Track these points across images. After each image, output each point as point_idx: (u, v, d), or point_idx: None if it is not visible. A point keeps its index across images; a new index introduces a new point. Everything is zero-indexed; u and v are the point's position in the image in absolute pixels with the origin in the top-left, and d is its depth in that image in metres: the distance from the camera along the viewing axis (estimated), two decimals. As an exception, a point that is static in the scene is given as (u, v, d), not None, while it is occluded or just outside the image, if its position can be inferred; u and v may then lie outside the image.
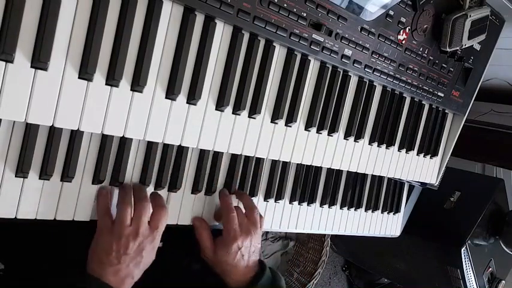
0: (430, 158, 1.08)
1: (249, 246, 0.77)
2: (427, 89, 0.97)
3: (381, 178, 1.15)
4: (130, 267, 0.65)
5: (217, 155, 0.80)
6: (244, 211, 0.81)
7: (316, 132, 0.83)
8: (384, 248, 1.77)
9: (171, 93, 0.63)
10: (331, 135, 0.85)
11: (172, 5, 0.61)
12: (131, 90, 0.60)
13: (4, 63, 0.50)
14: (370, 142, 0.93)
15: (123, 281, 0.65)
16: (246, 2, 0.65)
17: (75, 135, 0.63)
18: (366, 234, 1.14)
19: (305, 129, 0.81)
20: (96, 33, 0.55)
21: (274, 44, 0.72)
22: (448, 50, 0.92)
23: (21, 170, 0.59)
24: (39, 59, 0.51)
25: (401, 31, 0.86)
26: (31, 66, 0.52)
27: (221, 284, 0.78)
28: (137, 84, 0.59)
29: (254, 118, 0.74)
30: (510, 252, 1.53)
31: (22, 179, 0.60)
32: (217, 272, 0.78)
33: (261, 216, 0.82)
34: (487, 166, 2.04)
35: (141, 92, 0.61)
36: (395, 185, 1.20)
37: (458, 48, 0.93)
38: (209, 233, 0.78)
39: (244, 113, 0.72)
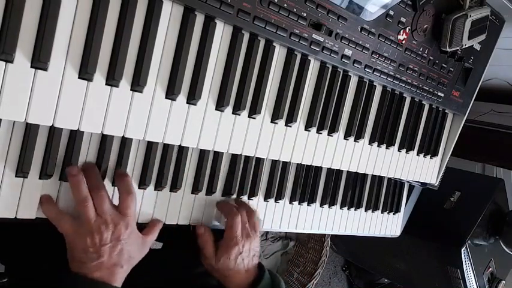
0: (430, 158, 1.08)
1: (249, 250, 0.77)
2: (427, 89, 0.97)
3: (381, 178, 1.15)
4: (113, 257, 0.63)
5: (217, 155, 0.80)
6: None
7: (316, 132, 0.83)
8: (384, 248, 1.77)
9: (171, 93, 0.63)
10: (331, 135, 0.85)
11: (172, 5, 0.61)
12: (131, 90, 0.60)
13: (4, 63, 0.50)
14: (370, 142, 0.93)
15: (111, 272, 0.63)
16: (246, 2, 0.65)
17: (75, 135, 0.63)
18: (366, 234, 1.14)
19: (305, 129, 0.81)
20: (96, 33, 0.55)
21: (274, 44, 0.72)
22: (448, 50, 0.92)
23: (21, 170, 0.59)
24: (39, 59, 0.51)
25: (402, 31, 0.86)
26: (31, 66, 0.52)
27: (222, 285, 0.78)
28: (137, 84, 0.59)
29: (254, 118, 0.74)
30: (510, 252, 1.53)
31: (22, 179, 0.60)
32: (218, 278, 0.78)
33: (259, 219, 0.82)
34: (487, 166, 2.04)
35: (141, 92, 0.61)
36: (395, 185, 1.20)
37: (458, 48, 0.93)
38: (213, 241, 0.78)
39: (244, 113, 0.72)
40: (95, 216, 0.63)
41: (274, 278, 0.81)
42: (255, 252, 0.79)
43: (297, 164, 0.93)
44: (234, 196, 0.83)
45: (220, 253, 0.76)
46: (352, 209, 1.08)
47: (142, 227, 0.71)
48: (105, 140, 0.66)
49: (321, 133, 0.83)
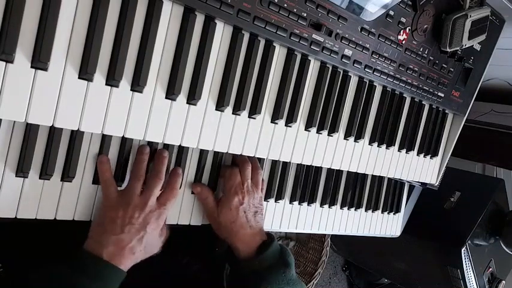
0: (430, 158, 1.08)
1: (249, 204, 0.78)
2: (427, 89, 0.97)
3: (381, 178, 1.14)
4: (133, 240, 0.65)
5: (217, 155, 0.80)
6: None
7: (316, 133, 0.83)
8: (384, 248, 1.77)
9: (171, 93, 0.63)
10: (331, 136, 0.85)
11: (173, 5, 0.61)
12: (131, 90, 0.60)
13: (4, 63, 0.50)
14: (370, 142, 0.93)
15: (124, 252, 0.64)
16: (246, 2, 0.65)
17: (75, 135, 0.63)
18: (366, 234, 1.14)
19: (305, 130, 0.81)
20: (96, 33, 0.55)
21: (274, 44, 0.72)
22: (448, 50, 0.92)
23: (22, 170, 0.59)
24: (39, 59, 0.51)
25: (402, 31, 0.86)
26: (31, 67, 0.52)
27: (221, 284, 0.78)
28: (137, 84, 0.59)
29: (254, 118, 0.74)
30: (510, 253, 1.52)
31: (22, 179, 0.60)
32: (225, 238, 0.78)
33: (263, 180, 0.83)
34: (487, 166, 2.04)
35: (141, 92, 0.61)
36: (396, 185, 1.20)
37: (458, 48, 0.93)
38: (213, 196, 0.78)
39: (244, 113, 0.72)
40: (139, 193, 0.67)
41: (284, 249, 0.80)
42: (258, 209, 0.79)
43: (297, 164, 0.93)
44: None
45: (221, 205, 0.77)
46: (352, 209, 1.08)
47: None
48: (105, 140, 0.66)
49: (321, 133, 0.83)
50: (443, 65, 0.97)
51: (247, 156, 0.81)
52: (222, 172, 0.81)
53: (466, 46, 0.94)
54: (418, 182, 1.12)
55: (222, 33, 0.67)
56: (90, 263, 0.62)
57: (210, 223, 0.79)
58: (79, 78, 0.55)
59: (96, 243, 0.63)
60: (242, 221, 0.76)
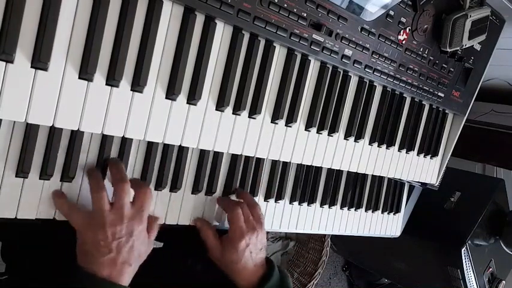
0: (431, 158, 1.08)
1: (256, 243, 0.76)
2: (427, 89, 0.97)
3: (381, 178, 1.14)
4: (124, 254, 0.62)
5: (217, 155, 0.80)
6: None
7: (317, 133, 0.83)
8: (384, 248, 1.77)
9: (171, 93, 0.63)
10: (332, 136, 0.85)
11: (173, 5, 0.61)
12: (131, 90, 0.60)
13: (4, 63, 0.50)
14: (371, 142, 0.93)
15: (121, 269, 0.62)
16: (246, 2, 0.65)
17: (76, 135, 0.63)
18: (366, 235, 1.14)
19: (305, 130, 0.81)
20: (96, 33, 0.55)
21: (274, 44, 0.72)
22: (448, 50, 0.92)
23: (22, 170, 0.59)
24: (40, 59, 0.51)
25: (402, 31, 0.86)
26: (31, 67, 0.52)
27: (223, 285, 0.78)
28: (137, 84, 0.59)
29: (254, 118, 0.74)
30: (510, 253, 1.53)
31: (22, 179, 0.60)
32: (226, 273, 0.77)
33: (262, 214, 0.81)
34: (487, 166, 2.04)
35: (141, 92, 0.61)
36: (396, 185, 1.20)
37: (458, 48, 0.93)
38: (214, 232, 0.77)
39: (245, 113, 0.72)
40: (109, 208, 0.61)
41: (284, 275, 0.79)
42: (262, 245, 0.78)
43: (297, 164, 0.93)
44: (234, 197, 0.83)
45: (227, 247, 0.75)
46: (352, 209, 1.08)
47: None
48: (105, 140, 0.66)
49: (321, 133, 0.83)
50: (444, 65, 0.97)
51: (241, 193, 0.81)
52: (220, 203, 0.80)
53: (466, 46, 0.94)
54: (418, 182, 1.12)
55: (222, 33, 0.67)
56: (90, 285, 0.60)
57: (211, 258, 0.78)
58: (79, 78, 0.55)
59: (89, 269, 0.60)
60: (247, 262, 0.75)
